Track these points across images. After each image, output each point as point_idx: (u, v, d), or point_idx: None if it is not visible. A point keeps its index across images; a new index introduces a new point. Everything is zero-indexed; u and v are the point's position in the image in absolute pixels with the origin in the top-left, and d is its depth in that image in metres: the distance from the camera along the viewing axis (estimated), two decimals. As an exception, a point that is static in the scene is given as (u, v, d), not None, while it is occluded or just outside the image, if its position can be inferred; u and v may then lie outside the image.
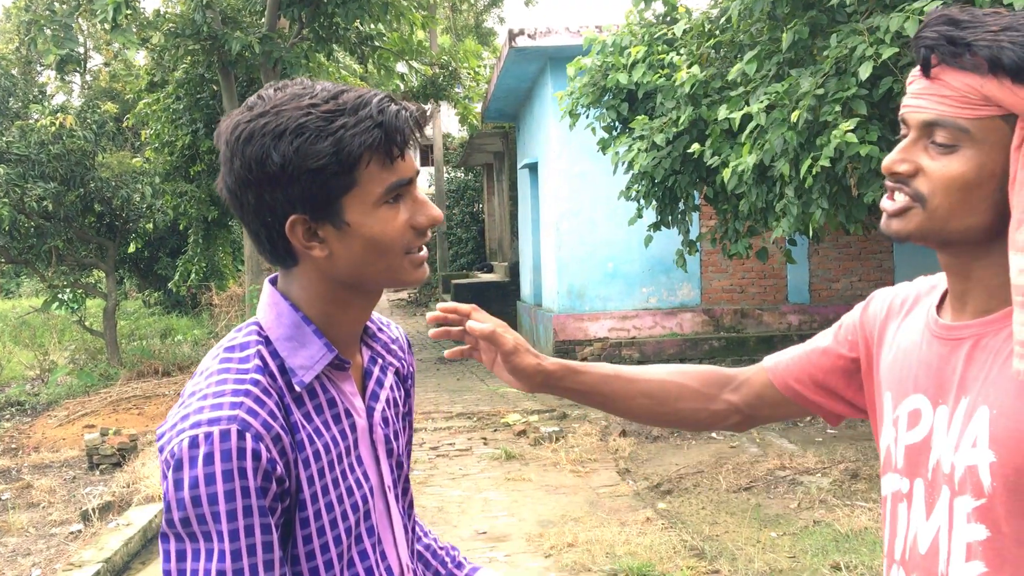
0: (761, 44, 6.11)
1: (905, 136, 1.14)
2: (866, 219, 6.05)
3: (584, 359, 10.17)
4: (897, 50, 4.92)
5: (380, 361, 1.32)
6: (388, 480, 1.26)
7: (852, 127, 4.99)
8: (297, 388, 1.14)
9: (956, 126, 1.07)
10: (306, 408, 1.16)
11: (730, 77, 5.97)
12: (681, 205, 7.87)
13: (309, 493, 1.13)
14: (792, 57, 6.01)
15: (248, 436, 1.06)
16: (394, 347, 1.38)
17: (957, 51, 1.06)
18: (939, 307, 1.23)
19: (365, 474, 1.21)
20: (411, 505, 1.36)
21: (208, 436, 1.05)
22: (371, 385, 1.27)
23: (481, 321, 1.45)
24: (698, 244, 8.19)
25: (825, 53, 5.43)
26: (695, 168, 7.18)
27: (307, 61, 12.24)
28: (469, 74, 15.22)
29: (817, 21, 5.76)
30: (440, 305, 1.47)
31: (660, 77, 6.97)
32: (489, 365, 1.49)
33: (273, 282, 1.23)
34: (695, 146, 6.42)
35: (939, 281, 1.29)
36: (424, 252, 1.21)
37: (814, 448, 6.77)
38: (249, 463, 1.05)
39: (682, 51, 7.05)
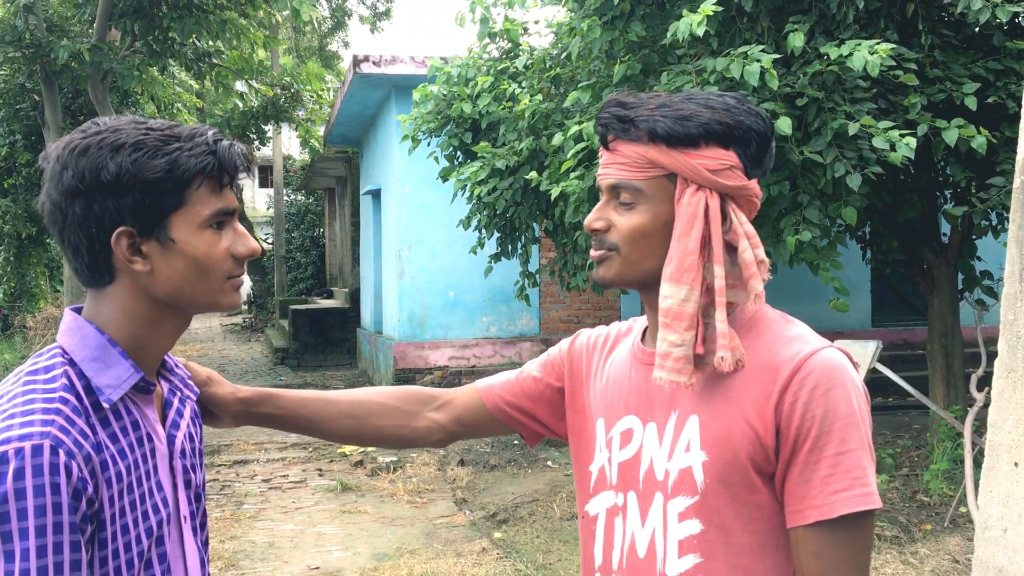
0: (598, 77, 6.32)
1: (601, 196, 1.36)
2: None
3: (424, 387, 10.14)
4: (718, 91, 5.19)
5: (179, 393, 1.35)
6: (185, 510, 1.28)
7: None
8: (105, 406, 1.16)
9: (632, 187, 1.30)
10: (111, 429, 1.16)
11: (567, 104, 6.14)
12: (522, 237, 8.00)
13: (109, 514, 1.13)
14: (624, 91, 6.24)
15: (61, 452, 1.06)
16: (191, 383, 1.41)
17: (625, 127, 1.29)
18: (643, 339, 1.43)
19: (164, 500, 1.23)
20: (206, 543, 1.39)
21: (19, 451, 1.04)
22: (171, 415, 1.30)
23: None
24: (537, 276, 8.34)
25: (656, 89, 5.68)
26: (535, 201, 7.32)
27: (139, 74, 11.71)
28: (311, 97, 14.98)
29: (649, 60, 6.01)
30: None
31: (504, 109, 7.09)
32: None
33: (76, 312, 1.24)
34: (532, 174, 6.56)
35: (634, 323, 1.51)
36: (242, 278, 1.28)
37: (645, 475, 6.97)
38: (62, 478, 1.05)
39: (524, 84, 7.20)
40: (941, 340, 7.23)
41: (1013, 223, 2.95)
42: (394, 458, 7.61)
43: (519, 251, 8.01)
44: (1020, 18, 5.07)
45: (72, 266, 1.21)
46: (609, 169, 1.33)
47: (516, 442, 8.21)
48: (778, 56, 5.13)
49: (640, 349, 1.40)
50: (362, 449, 8.13)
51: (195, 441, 1.36)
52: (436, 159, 8.12)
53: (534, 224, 7.73)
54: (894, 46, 5.04)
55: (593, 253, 1.35)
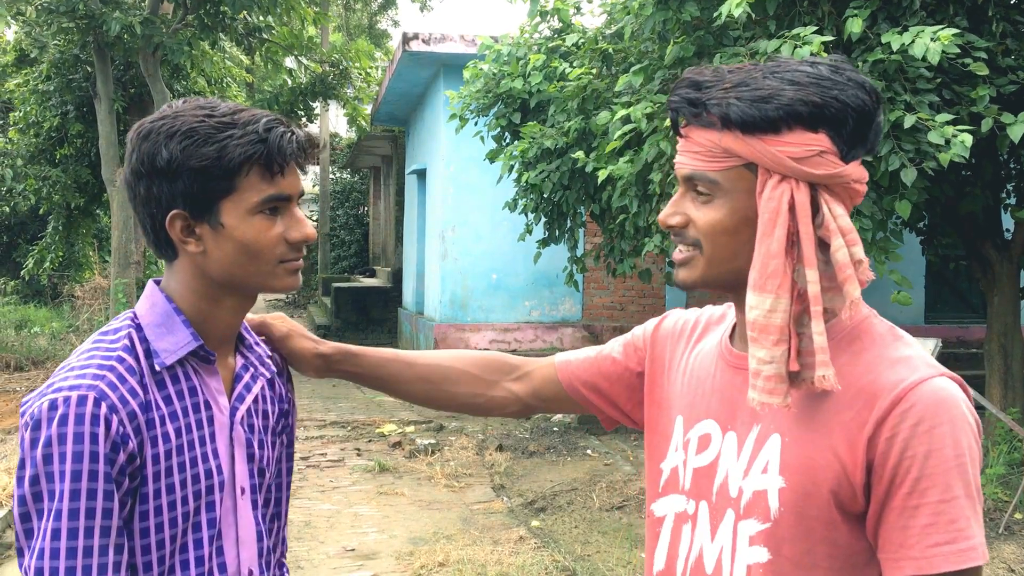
0: (650, 59, 6.16)
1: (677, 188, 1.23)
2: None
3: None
4: None
5: (252, 369, 1.37)
6: (243, 482, 1.31)
7: None
8: (158, 367, 1.22)
9: (707, 178, 1.15)
10: (167, 391, 1.22)
11: (618, 88, 5.99)
12: (568, 222, 7.88)
13: (153, 471, 1.18)
14: (677, 74, 6.08)
15: (104, 404, 1.13)
16: (268, 361, 1.42)
17: (696, 111, 1.14)
18: (731, 336, 1.30)
19: (219, 467, 1.26)
20: (274, 519, 1.40)
21: (67, 400, 1.12)
22: (238, 388, 1.33)
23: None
24: (583, 261, 8.22)
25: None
26: (583, 184, 7.19)
27: (190, 48, 11.74)
28: (360, 75, 14.93)
29: (704, 42, 5.83)
30: None
31: (554, 88, 6.96)
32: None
33: (157, 282, 1.32)
34: (579, 154, 6.43)
35: (728, 311, 1.36)
36: (299, 262, 1.30)
37: (686, 468, 6.83)
38: (101, 429, 1.12)
39: (575, 63, 7.06)
40: (1000, 340, 6.98)
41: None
42: (432, 441, 7.56)
43: (567, 236, 7.89)
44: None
45: (146, 241, 1.29)
46: (683, 158, 1.19)
47: (556, 428, 8.11)
48: (832, 39, 4.92)
49: (728, 349, 1.28)
50: (400, 430, 8.09)
51: (269, 419, 1.39)
52: (483, 139, 8.02)
53: (581, 208, 7.60)
54: (959, 32, 4.81)
55: (676, 255, 1.22)
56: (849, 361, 1.13)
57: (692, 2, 5.71)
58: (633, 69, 5.83)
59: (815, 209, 1.12)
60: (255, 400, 1.36)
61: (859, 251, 1.12)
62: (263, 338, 1.47)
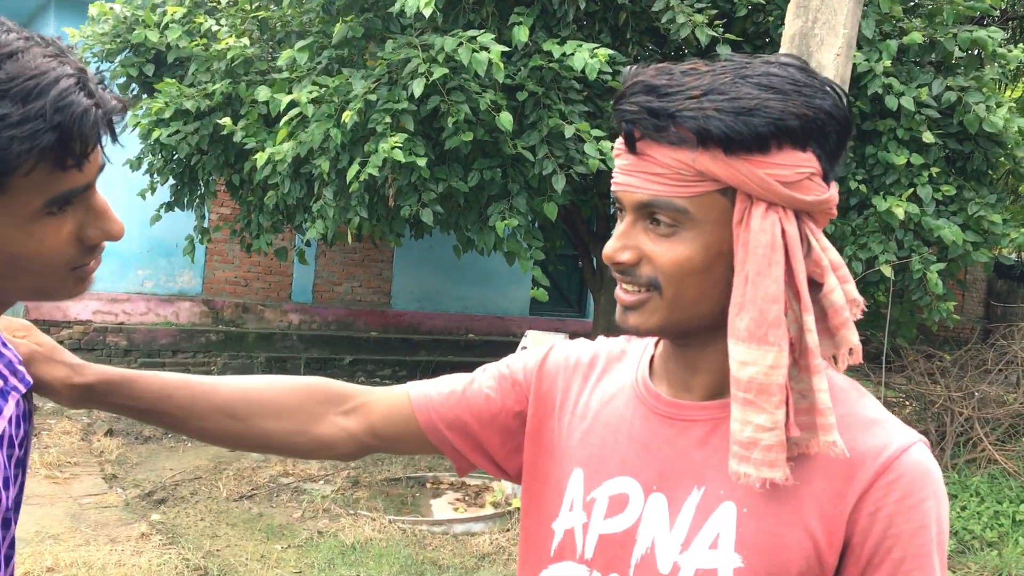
0: (314, 35, 5.91)
1: (621, 215, 1.00)
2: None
3: (61, 343, 8.95)
4: (447, 71, 5.07)
5: (1, 383, 0.98)
6: None
7: (400, 143, 5.01)
8: None
9: (674, 207, 0.94)
10: None
11: (280, 62, 5.66)
12: (200, 188, 7.32)
13: None
14: (344, 55, 5.91)
15: None
16: (22, 369, 1.02)
17: (661, 124, 0.93)
18: (650, 373, 1.10)
19: None
20: None
21: None
22: None
23: None
24: (211, 232, 7.70)
25: (379, 55, 5.41)
26: (223, 151, 6.70)
27: None
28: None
29: (372, 25, 5.72)
30: None
31: (197, 45, 6.39)
32: None
33: None
34: (226, 121, 5.99)
35: (628, 346, 1.17)
36: (93, 264, 0.94)
37: (316, 453, 6.69)
38: None
39: (223, 22, 6.55)
40: (604, 334, 7.70)
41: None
42: (25, 424, 6.62)
43: (196, 203, 7.32)
44: (718, 47, 5.47)
45: None
46: (636, 180, 0.96)
47: (173, 411, 7.52)
48: (506, 49, 5.09)
49: (652, 393, 1.07)
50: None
51: (15, 447, 0.99)
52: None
53: (217, 176, 7.09)
54: (612, 52, 5.21)
55: (622, 296, 1.00)
56: None
57: (363, -20, 5.57)
58: (298, 45, 5.54)
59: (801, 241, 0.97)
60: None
61: (853, 289, 0.97)
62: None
